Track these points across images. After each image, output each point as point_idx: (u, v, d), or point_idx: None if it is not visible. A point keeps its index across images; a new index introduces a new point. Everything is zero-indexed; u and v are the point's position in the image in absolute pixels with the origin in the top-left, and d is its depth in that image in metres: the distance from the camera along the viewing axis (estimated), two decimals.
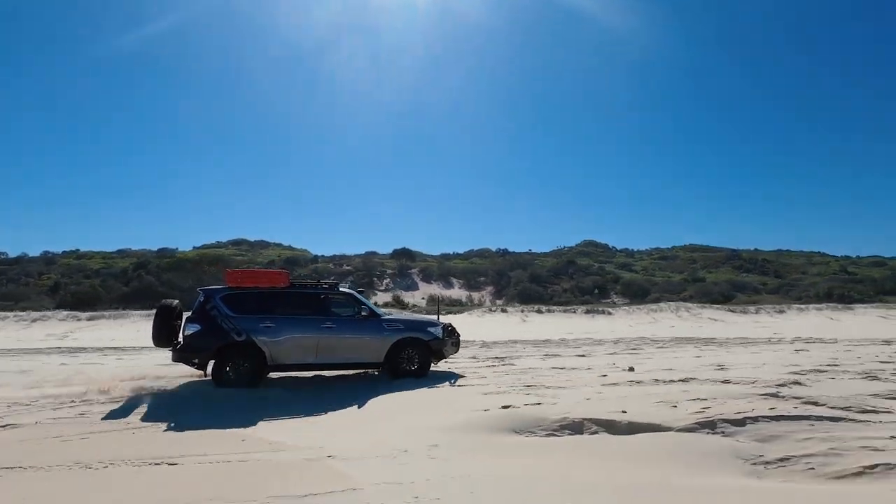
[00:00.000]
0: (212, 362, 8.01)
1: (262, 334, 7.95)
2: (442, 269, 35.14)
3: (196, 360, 7.92)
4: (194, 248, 51.07)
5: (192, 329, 7.87)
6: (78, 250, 39.09)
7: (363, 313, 8.58)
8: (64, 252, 38.18)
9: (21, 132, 70.50)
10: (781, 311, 22.61)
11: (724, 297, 29.72)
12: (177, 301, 8.87)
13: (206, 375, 8.10)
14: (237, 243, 52.62)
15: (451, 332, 9.21)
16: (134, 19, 73.52)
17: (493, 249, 55.77)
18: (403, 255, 34.74)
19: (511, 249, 57.43)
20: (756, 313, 22.30)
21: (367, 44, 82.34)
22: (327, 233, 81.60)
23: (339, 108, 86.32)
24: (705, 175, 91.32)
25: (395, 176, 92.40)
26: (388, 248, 49.80)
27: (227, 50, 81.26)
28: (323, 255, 40.77)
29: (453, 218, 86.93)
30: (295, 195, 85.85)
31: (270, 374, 8.64)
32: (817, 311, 22.83)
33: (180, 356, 7.95)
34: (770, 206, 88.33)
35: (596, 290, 28.53)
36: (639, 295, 29.32)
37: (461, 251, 55.00)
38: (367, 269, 29.44)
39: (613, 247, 66.20)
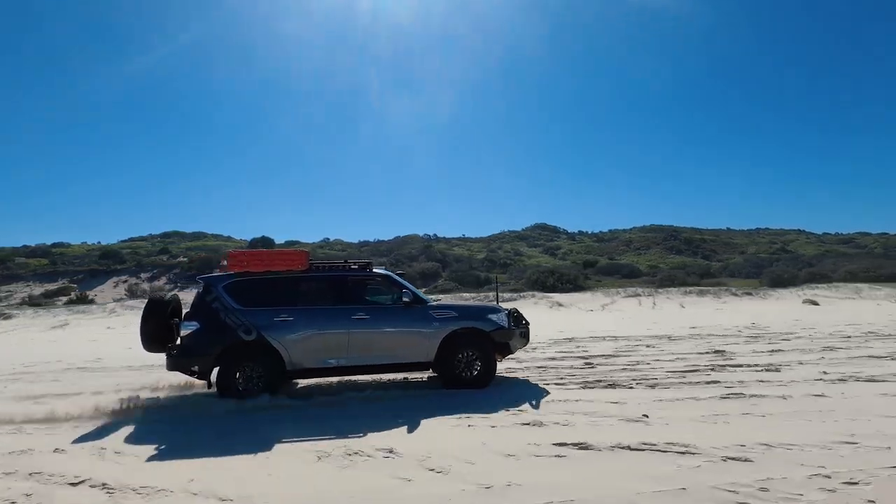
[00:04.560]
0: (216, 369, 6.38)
1: (277, 331, 6.39)
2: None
3: (196, 368, 6.26)
4: (120, 241, 53.26)
5: (189, 328, 6.30)
6: None
7: (405, 299, 6.79)
8: None
9: None
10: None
11: (569, 283, 28.10)
12: (172, 294, 7.54)
13: (209, 387, 6.41)
14: (167, 236, 54.21)
15: (517, 319, 7.35)
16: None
17: (421, 235, 54.89)
18: (262, 244, 34.57)
19: (442, 235, 56.45)
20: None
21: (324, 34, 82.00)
22: (309, 223, 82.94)
23: (290, 96, 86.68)
24: (686, 154, 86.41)
25: (364, 162, 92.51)
26: (355, 237, 49.93)
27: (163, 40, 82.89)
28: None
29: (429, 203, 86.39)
30: (276, 189, 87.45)
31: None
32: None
33: (176, 363, 6.29)
34: (760, 183, 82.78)
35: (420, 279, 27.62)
36: (468, 282, 28.18)
37: (387, 238, 54.55)
38: (203, 262, 29.32)
39: (564, 229, 63.80)
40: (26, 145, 79.87)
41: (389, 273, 7.27)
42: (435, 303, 7.25)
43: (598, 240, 56.93)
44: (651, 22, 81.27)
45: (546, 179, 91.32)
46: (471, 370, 6.82)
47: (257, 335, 6.32)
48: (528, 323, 7.53)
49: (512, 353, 7.31)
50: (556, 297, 21.65)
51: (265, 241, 35.08)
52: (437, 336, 6.75)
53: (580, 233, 63.48)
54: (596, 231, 63.76)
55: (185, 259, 30.69)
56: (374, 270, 7.15)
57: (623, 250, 49.98)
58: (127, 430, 5.29)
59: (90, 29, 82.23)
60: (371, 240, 53.24)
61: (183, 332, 6.33)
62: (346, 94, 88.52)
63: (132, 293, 24.22)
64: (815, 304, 19.62)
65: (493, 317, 7.06)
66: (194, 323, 6.34)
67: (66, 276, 26.36)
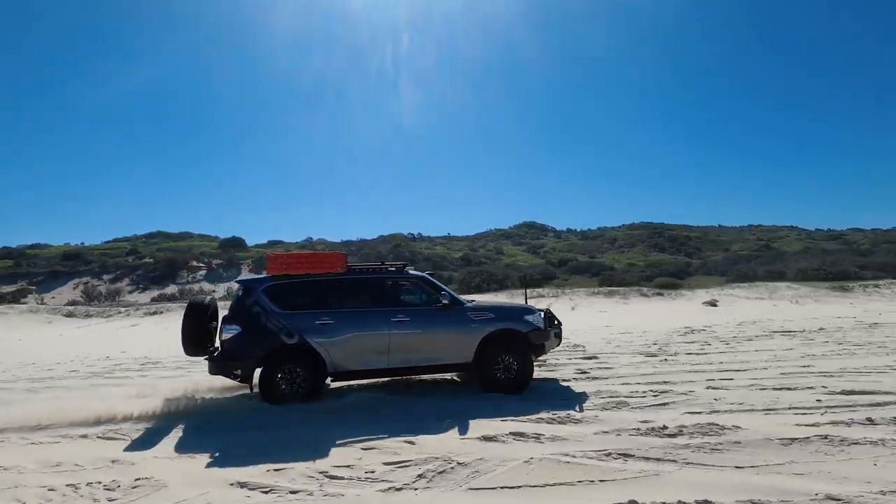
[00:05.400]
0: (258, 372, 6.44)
1: (318, 334, 6.40)
2: None
3: (238, 372, 6.31)
4: (103, 242, 53.63)
5: (230, 332, 6.32)
6: None
7: (444, 301, 6.81)
8: None
9: None
10: None
11: (495, 283, 27.82)
12: (210, 297, 7.84)
13: (252, 390, 6.49)
14: (152, 236, 54.47)
15: (551, 319, 7.35)
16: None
17: (405, 234, 54.80)
18: (232, 244, 34.58)
19: (427, 234, 56.37)
20: None
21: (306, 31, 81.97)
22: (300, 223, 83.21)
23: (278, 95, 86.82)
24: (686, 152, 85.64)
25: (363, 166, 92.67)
26: (339, 236, 49.87)
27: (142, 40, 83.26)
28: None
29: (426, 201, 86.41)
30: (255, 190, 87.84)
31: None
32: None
33: (219, 367, 6.36)
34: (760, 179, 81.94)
35: None
36: None
37: (372, 237, 54.51)
38: (168, 263, 29.33)
39: (552, 227, 63.42)
40: (22, 145, 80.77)
41: (425, 275, 7.28)
42: (471, 304, 7.28)
43: (584, 238, 56.51)
44: (645, 21, 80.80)
45: (539, 177, 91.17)
46: (508, 372, 6.78)
47: (299, 338, 6.35)
48: (560, 323, 7.52)
49: (545, 353, 7.32)
50: (462, 297, 21.47)
51: (236, 242, 35.09)
52: (476, 337, 6.76)
53: (568, 230, 63.09)
54: (584, 229, 63.38)
55: (151, 260, 30.75)
56: (410, 272, 7.20)
57: (607, 248, 49.55)
58: None
59: (85, 30, 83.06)
60: (355, 239, 53.25)
61: (224, 336, 6.35)
62: (335, 92, 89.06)
63: (88, 295, 24.30)
64: (714, 305, 19.10)
65: (530, 318, 7.05)
66: (235, 327, 6.35)
67: (29, 277, 26.52)
